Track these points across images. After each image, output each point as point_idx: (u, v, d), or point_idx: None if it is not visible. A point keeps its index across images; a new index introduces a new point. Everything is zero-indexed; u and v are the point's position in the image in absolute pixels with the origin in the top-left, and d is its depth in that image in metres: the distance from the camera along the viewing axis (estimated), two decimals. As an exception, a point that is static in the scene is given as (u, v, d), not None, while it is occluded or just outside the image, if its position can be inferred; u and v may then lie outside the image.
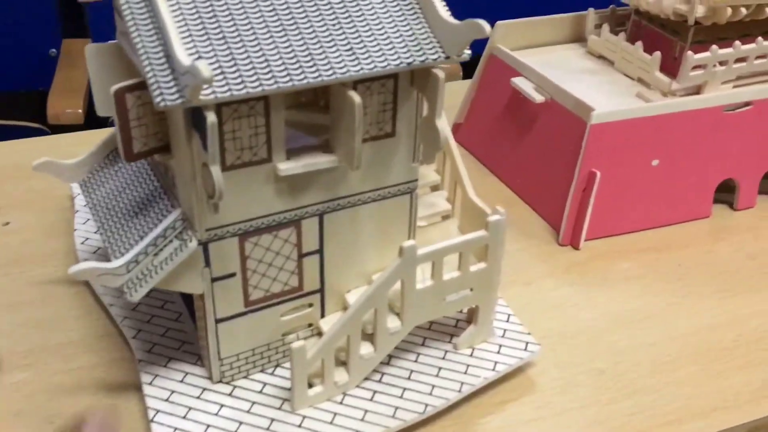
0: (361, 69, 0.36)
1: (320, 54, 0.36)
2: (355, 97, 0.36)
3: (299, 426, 0.41)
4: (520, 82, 0.61)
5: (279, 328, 0.44)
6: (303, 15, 0.37)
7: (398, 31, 0.38)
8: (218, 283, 0.40)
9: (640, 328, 0.51)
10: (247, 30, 0.35)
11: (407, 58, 0.37)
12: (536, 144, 0.61)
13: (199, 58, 0.34)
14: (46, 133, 1.07)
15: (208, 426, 0.41)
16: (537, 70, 0.60)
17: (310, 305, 0.44)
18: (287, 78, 0.35)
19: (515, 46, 0.66)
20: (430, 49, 0.37)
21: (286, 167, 0.38)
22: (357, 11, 0.38)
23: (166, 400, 0.42)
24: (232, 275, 0.40)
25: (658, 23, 0.62)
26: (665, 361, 0.48)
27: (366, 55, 0.36)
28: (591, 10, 0.67)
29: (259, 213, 0.39)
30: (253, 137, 0.37)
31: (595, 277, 0.55)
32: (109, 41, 0.41)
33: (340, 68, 0.36)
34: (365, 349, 0.43)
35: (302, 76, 0.35)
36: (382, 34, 0.37)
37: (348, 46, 0.36)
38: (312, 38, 0.36)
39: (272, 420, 0.42)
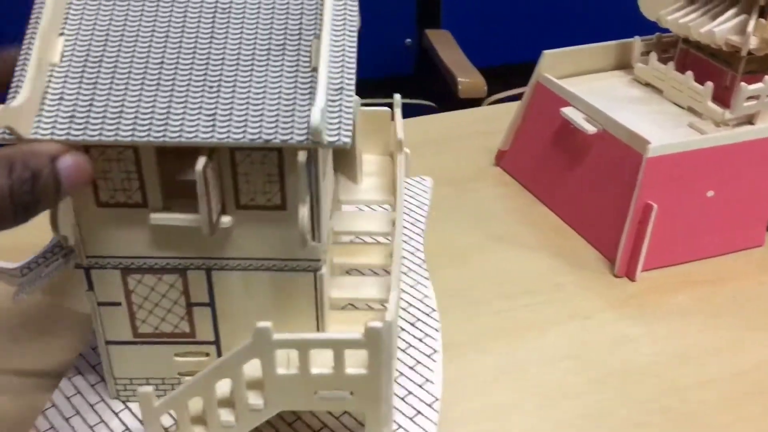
0: (213, 137, 0.35)
1: (180, 114, 0.35)
2: (198, 164, 0.35)
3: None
4: (570, 113, 0.61)
5: (174, 367, 0.44)
6: (187, 70, 0.37)
7: (278, 107, 0.36)
8: (104, 307, 0.42)
9: (703, 364, 0.50)
10: (123, 76, 0.37)
11: (269, 135, 0.35)
12: (587, 174, 0.61)
13: (62, 98, 0.36)
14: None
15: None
16: (587, 101, 0.61)
17: (207, 354, 0.43)
18: (146, 132, 0.35)
19: (561, 74, 0.66)
20: (300, 130, 0.35)
21: (156, 217, 0.38)
22: (245, 79, 0.37)
23: (68, 397, 0.45)
24: (117, 304, 0.42)
25: (707, 52, 0.62)
26: (733, 398, 0.48)
27: (225, 125, 0.35)
28: (637, 38, 0.67)
29: (140, 253, 0.40)
30: (126, 181, 0.38)
31: (653, 310, 0.55)
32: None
33: (189, 132, 0.35)
34: (225, 416, 0.40)
35: (162, 133, 0.35)
36: (257, 107, 0.36)
37: (212, 112, 0.36)
38: (181, 96, 0.36)
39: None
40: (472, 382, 0.49)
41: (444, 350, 0.51)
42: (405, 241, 0.58)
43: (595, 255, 0.60)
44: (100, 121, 0.35)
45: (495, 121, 0.80)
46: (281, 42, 0.38)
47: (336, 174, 0.50)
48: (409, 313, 0.51)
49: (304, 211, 0.37)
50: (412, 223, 0.60)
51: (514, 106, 0.81)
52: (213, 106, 0.36)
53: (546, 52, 0.65)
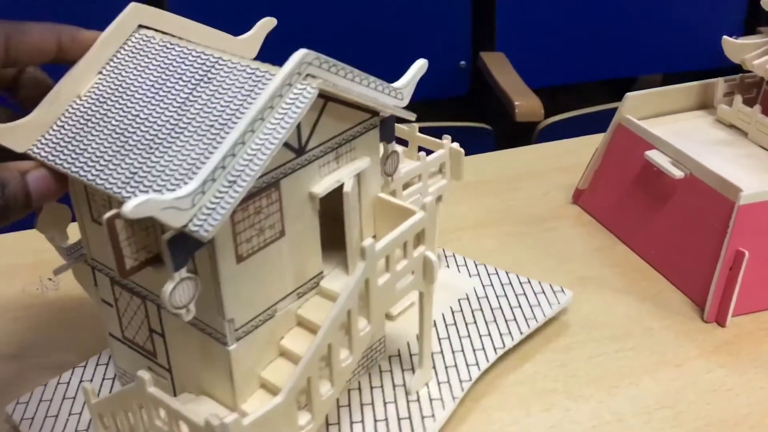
0: (119, 192, 0.37)
1: (115, 166, 0.38)
2: (106, 213, 0.36)
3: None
4: (656, 156, 0.62)
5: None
6: (144, 131, 0.39)
7: (178, 181, 0.36)
8: (104, 304, 0.46)
9: (802, 415, 0.51)
10: (103, 123, 0.40)
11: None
12: (673, 218, 0.62)
13: (63, 126, 0.41)
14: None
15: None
16: (672, 144, 0.61)
17: (165, 378, 0.45)
18: (86, 172, 0.39)
19: (642, 115, 0.67)
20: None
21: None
22: (177, 148, 0.38)
23: (67, 382, 0.52)
24: (111, 305, 0.46)
25: (794, 95, 0.62)
26: (835, 453, 0.48)
27: (136, 184, 0.37)
28: (720, 79, 0.67)
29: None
30: (102, 207, 0.41)
31: (746, 358, 0.55)
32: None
33: (109, 183, 0.38)
34: (343, 353, 0.42)
35: (94, 177, 0.38)
36: (166, 176, 0.37)
37: (134, 171, 0.38)
38: (126, 152, 0.39)
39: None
40: (570, 432, 0.49)
41: (537, 397, 0.52)
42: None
43: (682, 299, 0.60)
44: (69, 153, 0.40)
45: (568, 156, 0.81)
46: (224, 123, 0.38)
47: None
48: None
49: (169, 287, 0.35)
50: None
51: (587, 141, 0.82)
52: (139, 166, 0.38)
53: (629, 94, 0.66)
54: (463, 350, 0.54)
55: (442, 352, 0.54)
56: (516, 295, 0.59)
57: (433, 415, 0.49)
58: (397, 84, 0.45)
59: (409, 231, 0.44)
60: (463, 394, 0.50)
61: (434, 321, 0.56)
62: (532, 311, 0.57)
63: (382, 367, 0.52)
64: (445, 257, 0.63)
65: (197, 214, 0.34)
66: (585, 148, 0.77)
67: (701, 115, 0.69)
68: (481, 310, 0.57)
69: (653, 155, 0.62)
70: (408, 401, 0.50)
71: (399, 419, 0.49)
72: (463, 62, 1.41)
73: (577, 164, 0.75)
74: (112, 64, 0.42)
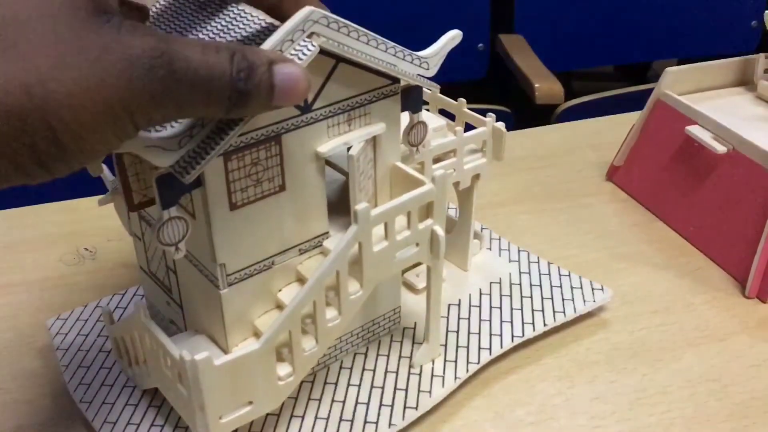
0: None
1: None
2: None
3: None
4: (697, 131, 0.61)
5: (165, 311, 0.48)
6: None
7: None
8: (134, 237, 0.47)
9: None
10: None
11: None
12: (715, 194, 0.61)
13: None
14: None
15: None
16: (715, 119, 0.60)
17: (171, 322, 0.47)
18: None
19: (681, 91, 0.66)
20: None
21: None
22: None
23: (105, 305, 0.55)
24: (139, 238, 0.47)
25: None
26: None
27: None
28: (761, 55, 0.66)
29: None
30: None
31: (790, 333, 0.55)
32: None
33: None
34: (330, 313, 0.43)
35: None
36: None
37: None
38: None
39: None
40: (612, 405, 0.49)
41: (580, 369, 0.52)
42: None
43: (722, 275, 0.60)
44: None
45: (597, 134, 0.80)
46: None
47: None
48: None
49: (157, 224, 0.37)
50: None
51: (615, 120, 0.81)
52: None
53: (669, 69, 0.65)
54: (479, 333, 0.52)
55: (458, 331, 0.52)
56: (551, 287, 0.56)
57: (429, 391, 0.48)
58: (423, 52, 0.44)
59: (412, 201, 0.43)
60: (467, 377, 0.49)
61: (459, 300, 0.55)
62: (563, 305, 0.55)
63: (394, 338, 0.52)
64: (490, 240, 0.61)
65: (184, 157, 0.34)
66: (614, 127, 0.77)
67: (740, 92, 0.68)
68: (510, 296, 0.56)
69: (694, 130, 0.61)
70: (410, 374, 0.49)
71: (395, 389, 0.48)
72: (481, 45, 1.40)
73: (608, 142, 0.74)
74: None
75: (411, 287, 0.56)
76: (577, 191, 0.71)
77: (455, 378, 0.49)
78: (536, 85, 1.26)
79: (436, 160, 0.52)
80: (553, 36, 1.42)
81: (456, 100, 0.55)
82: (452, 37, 0.45)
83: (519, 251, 0.60)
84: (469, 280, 0.57)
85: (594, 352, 0.53)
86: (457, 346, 0.51)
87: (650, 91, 0.66)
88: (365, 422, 0.46)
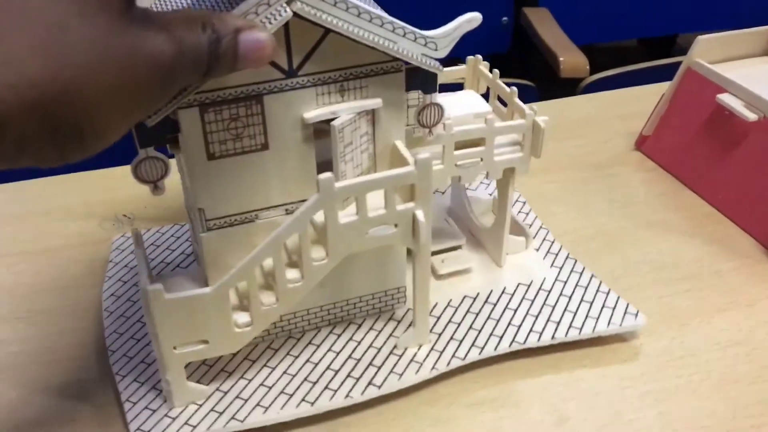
0: None
1: None
2: None
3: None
4: (728, 99, 0.61)
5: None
6: None
7: None
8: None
9: None
10: None
11: None
12: (745, 161, 0.61)
13: None
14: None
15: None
16: (746, 87, 0.60)
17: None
18: None
19: (711, 59, 0.66)
20: None
21: None
22: None
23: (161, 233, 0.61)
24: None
25: None
26: None
27: None
28: (793, 23, 0.66)
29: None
30: None
31: (818, 299, 0.55)
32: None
33: None
34: (291, 275, 0.44)
35: None
36: None
37: None
38: None
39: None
40: (641, 367, 0.50)
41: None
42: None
43: (751, 242, 0.60)
44: None
45: (624, 105, 0.80)
46: None
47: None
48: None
49: (134, 161, 0.40)
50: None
51: (642, 90, 0.81)
52: None
53: (700, 37, 0.65)
54: (480, 331, 0.50)
55: (459, 324, 0.51)
56: (581, 301, 0.53)
57: (400, 374, 0.47)
58: (432, 32, 0.42)
59: (387, 180, 0.42)
60: (446, 370, 0.48)
61: (477, 294, 0.54)
62: (584, 322, 0.51)
63: (395, 316, 0.52)
64: (542, 241, 0.59)
65: None
66: (641, 97, 0.77)
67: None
68: (533, 301, 0.53)
69: (725, 98, 0.61)
70: (391, 353, 0.49)
71: (370, 365, 0.48)
72: (505, 18, 1.40)
73: (635, 113, 0.74)
74: None
75: (433, 271, 0.55)
76: (605, 161, 0.71)
77: (432, 369, 0.48)
78: (561, 59, 1.25)
79: (471, 146, 0.50)
80: (577, 9, 1.41)
81: (491, 72, 0.53)
82: (468, 19, 0.43)
83: (567, 258, 0.57)
84: (498, 276, 0.56)
85: (622, 316, 0.54)
86: (451, 339, 0.50)
87: (675, 64, 0.66)
88: (326, 388, 0.47)
